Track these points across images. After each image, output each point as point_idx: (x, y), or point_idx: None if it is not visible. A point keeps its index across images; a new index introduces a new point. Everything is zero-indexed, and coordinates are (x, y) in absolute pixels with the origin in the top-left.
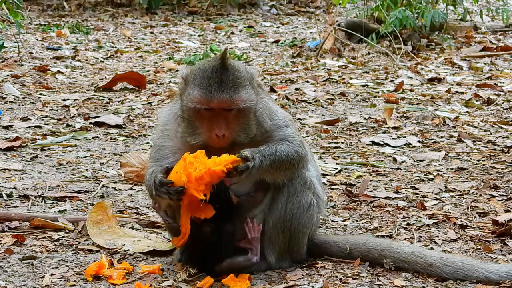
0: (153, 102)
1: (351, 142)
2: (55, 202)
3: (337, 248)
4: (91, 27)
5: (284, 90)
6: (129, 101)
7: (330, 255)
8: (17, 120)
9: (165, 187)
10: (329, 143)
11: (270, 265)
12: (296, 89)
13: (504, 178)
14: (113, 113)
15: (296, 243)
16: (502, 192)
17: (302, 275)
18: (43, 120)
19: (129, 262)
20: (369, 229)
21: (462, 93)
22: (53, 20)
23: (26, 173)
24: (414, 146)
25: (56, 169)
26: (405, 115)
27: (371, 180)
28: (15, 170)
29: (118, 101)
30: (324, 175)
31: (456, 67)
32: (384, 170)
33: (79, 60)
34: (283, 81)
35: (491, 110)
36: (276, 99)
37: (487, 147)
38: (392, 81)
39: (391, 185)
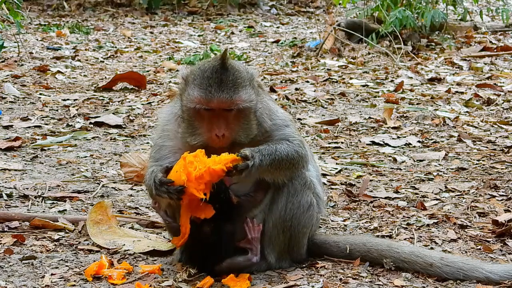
0: (153, 102)
1: (351, 142)
2: (55, 202)
3: (337, 248)
4: (91, 27)
5: (284, 90)
6: (129, 101)
7: (330, 255)
8: (17, 120)
9: (165, 186)
10: (329, 143)
11: (270, 265)
12: (296, 89)
13: (504, 178)
14: (113, 113)
15: (296, 243)
16: (502, 192)
17: (302, 275)
18: (43, 120)
19: (129, 262)
20: (369, 229)
21: (462, 93)
22: (53, 20)
23: (26, 173)
24: (414, 146)
25: (56, 169)
26: (405, 115)
27: (371, 180)
28: (15, 170)
29: (118, 101)
30: (324, 175)
31: (456, 67)
32: (384, 170)
33: (79, 60)
34: (283, 81)
35: (491, 110)
36: (276, 99)
37: (487, 147)
38: (392, 81)
39: (391, 185)
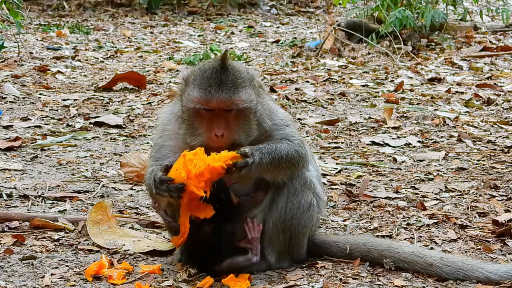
0: (153, 102)
1: (351, 142)
2: (55, 202)
3: (337, 248)
4: (91, 27)
5: (284, 90)
6: (129, 101)
7: (330, 255)
8: (17, 120)
9: (165, 184)
10: (329, 143)
11: (270, 265)
12: (296, 89)
13: (504, 178)
14: (113, 113)
15: (296, 243)
16: (502, 192)
17: (302, 275)
18: (43, 120)
19: (129, 262)
20: (369, 229)
21: (462, 93)
22: (53, 20)
23: (26, 173)
24: (414, 146)
25: (56, 169)
26: (405, 115)
27: (371, 180)
28: (15, 170)
29: (118, 101)
30: (324, 175)
31: (456, 67)
32: (384, 170)
33: (79, 60)
34: (283, 81)
35: (491, 110)
36: (276, 99)
37: (487, 147)
38: (392, 81)
39: (391, 185)
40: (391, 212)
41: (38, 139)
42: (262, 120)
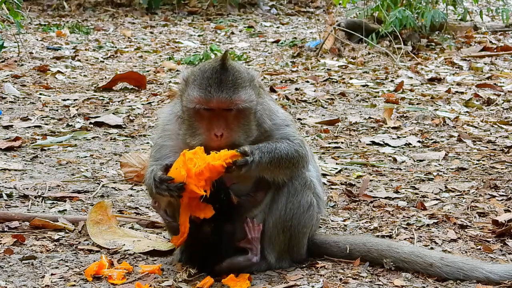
0: (153, 102)
1: (351, 142)
2: (55, 202)
3: (337, 248)
4: (91, 27)
5: (284, 90)
6: (129, 101)
7: (330, 255)
8: (17, 120)
9: (165, 183)
10: (329, 143)
11: (270, 265)
12: (296, 89)
13: (504, 178)
14: (113, 113)
15: (296, 243)
16: (502, 192)
17: (302, 275)
18: (43, 120)
19: (129, 262)
20: (369, 229)
21: (462, 93)
22: (53, 20)
23: (26, 173)
24: (414, 146)
25: (56, 169)
26: (405, 115)
27: (371, 180)
28: (15, 170)
29: (118, 101)
30: (324, 175)
31: (456, 67)
32: (384, 170)
33: (79, 60)
34: (283, 81)
35: (491, 110)
36: (276, 99)
37: (487, 147)
38: (392, 81)
39: (391, 185)
40: (391, 212)
41: (38, 139)
42: (262, 120)
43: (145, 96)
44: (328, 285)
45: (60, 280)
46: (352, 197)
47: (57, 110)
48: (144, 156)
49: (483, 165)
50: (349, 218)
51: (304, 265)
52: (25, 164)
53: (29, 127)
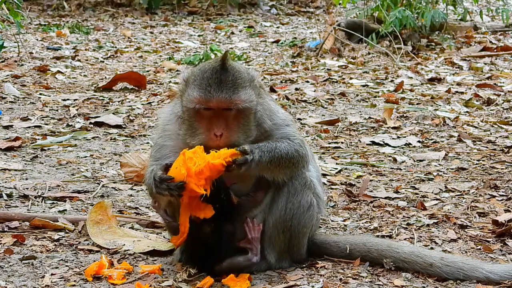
0: (153, 102)
1: (351, 142)
2: (55, 202)
3: (337, 248)
4: (91, 27)
5: (284, 90)
6: (129, 101)
7: (330, 255)
8: (17, 120)
9: (165, 183)
10: (329, 143)
11: (270, 265)
12: (296, 89)
13: (504, 178)
14: (113, 113)
15: (296, 243)
16: (502, 192)
17: (302, 275)
18: (43, 120)
19: (129, 262)
20: (369, 229)
21: (462, 93)
22: (53, 20)
23: (26, 173)
24: (414, 146)
25: (56, 169)
26: (405, 115)
27: (371, 180)
28: (15, 170)
29: (118, 101)
30: (324, 175)
31: (456, 67)
32: (384, 170)
33: (79, 60)
34: (283, 81)
35: (491, 110)
36: (276, 99)
37: (487, 147)
38: (392, 81)
39: (391, 185)
40: (391, 212)
41: (38, 139)
42: (263, 120)
43: (145, 96)
44: (328, 285)
45: (60, 280)
46: (352, 197)
47: (57, 110)
48: (144, 156)
49: (483, 165)
50: (349, 218)
51: (304, 265)
52: (25, 164)
53: (29, 127)
